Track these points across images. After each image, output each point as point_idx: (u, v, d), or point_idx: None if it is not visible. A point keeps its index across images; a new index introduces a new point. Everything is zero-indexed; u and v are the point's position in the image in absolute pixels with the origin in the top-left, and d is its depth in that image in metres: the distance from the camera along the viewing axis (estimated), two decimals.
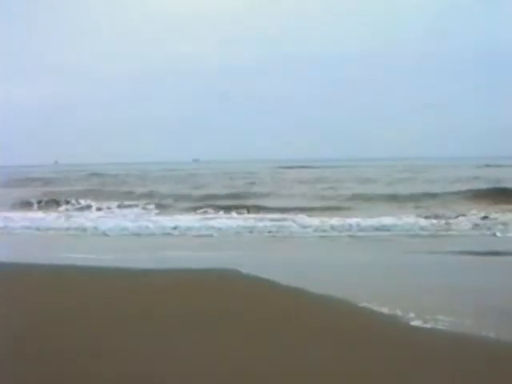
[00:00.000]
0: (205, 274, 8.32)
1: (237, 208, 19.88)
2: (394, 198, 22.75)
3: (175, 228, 15.32)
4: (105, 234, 14.96)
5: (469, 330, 5.55)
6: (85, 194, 26.41)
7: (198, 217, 18.47)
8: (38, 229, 15.87)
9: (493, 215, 16.04)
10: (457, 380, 4.29)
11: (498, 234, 13.26)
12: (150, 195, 26.22)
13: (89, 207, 22.33)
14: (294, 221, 15.99)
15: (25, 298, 6.79)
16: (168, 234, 14.79)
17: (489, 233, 13.61)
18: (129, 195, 26.27)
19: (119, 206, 21.99)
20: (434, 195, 22.98)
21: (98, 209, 21.91)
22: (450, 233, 13.97)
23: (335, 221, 15.71)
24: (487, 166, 46.50)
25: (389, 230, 14.34)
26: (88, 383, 4.23)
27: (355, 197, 23.62)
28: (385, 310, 6.22)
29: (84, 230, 15.67)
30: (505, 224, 14.46)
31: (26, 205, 23.17)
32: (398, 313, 6.11)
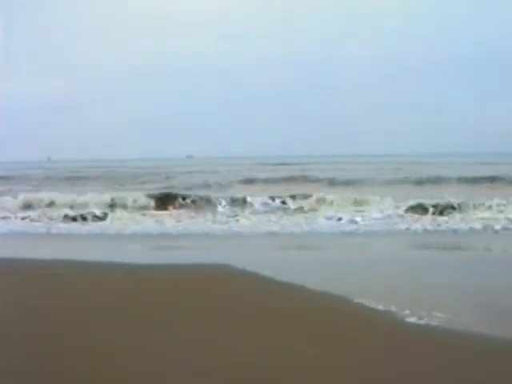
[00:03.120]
0: (198, 269, 8.32)
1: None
2: None
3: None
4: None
5: (464, 326, 5.57)
6: None
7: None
8: None
9: None
10: (452, 376, 4.30)
11: None
12: None
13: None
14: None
15: (23, 295, 6.78)
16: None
17: None
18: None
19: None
20: None
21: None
22: None
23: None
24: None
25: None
26: (87, 382, 4.23)
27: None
28: (380, 306, 6.23)
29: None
30: None
31: None
32: (393, 309, 6.12)
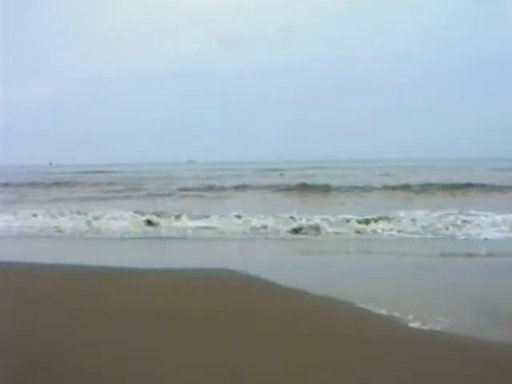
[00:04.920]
0: (201, 273, 8.32)
1: None
2: None
3: None
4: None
5: (467, 331, 5.55)
6: None
7: None
8: None
9: None
10: (455, 381, 4.30)
11: None
12: None
13: None
14: None
15: (24, 298, 6.79)
16: None
17: None
18: None
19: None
20: None
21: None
22: None
23: None
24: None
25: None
26: (88, 383, 4.22)
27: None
28: (383, 312, 6.22)
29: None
30: None
31: None
32: (397, 314, 6.11)
